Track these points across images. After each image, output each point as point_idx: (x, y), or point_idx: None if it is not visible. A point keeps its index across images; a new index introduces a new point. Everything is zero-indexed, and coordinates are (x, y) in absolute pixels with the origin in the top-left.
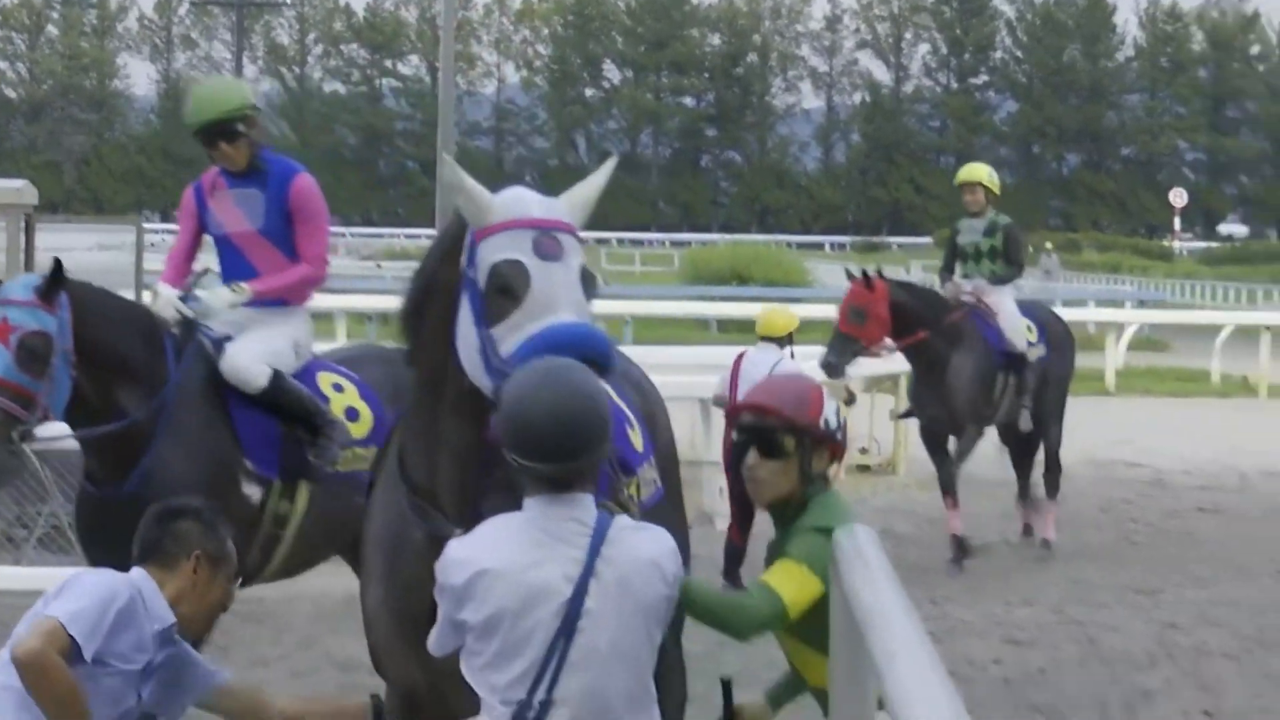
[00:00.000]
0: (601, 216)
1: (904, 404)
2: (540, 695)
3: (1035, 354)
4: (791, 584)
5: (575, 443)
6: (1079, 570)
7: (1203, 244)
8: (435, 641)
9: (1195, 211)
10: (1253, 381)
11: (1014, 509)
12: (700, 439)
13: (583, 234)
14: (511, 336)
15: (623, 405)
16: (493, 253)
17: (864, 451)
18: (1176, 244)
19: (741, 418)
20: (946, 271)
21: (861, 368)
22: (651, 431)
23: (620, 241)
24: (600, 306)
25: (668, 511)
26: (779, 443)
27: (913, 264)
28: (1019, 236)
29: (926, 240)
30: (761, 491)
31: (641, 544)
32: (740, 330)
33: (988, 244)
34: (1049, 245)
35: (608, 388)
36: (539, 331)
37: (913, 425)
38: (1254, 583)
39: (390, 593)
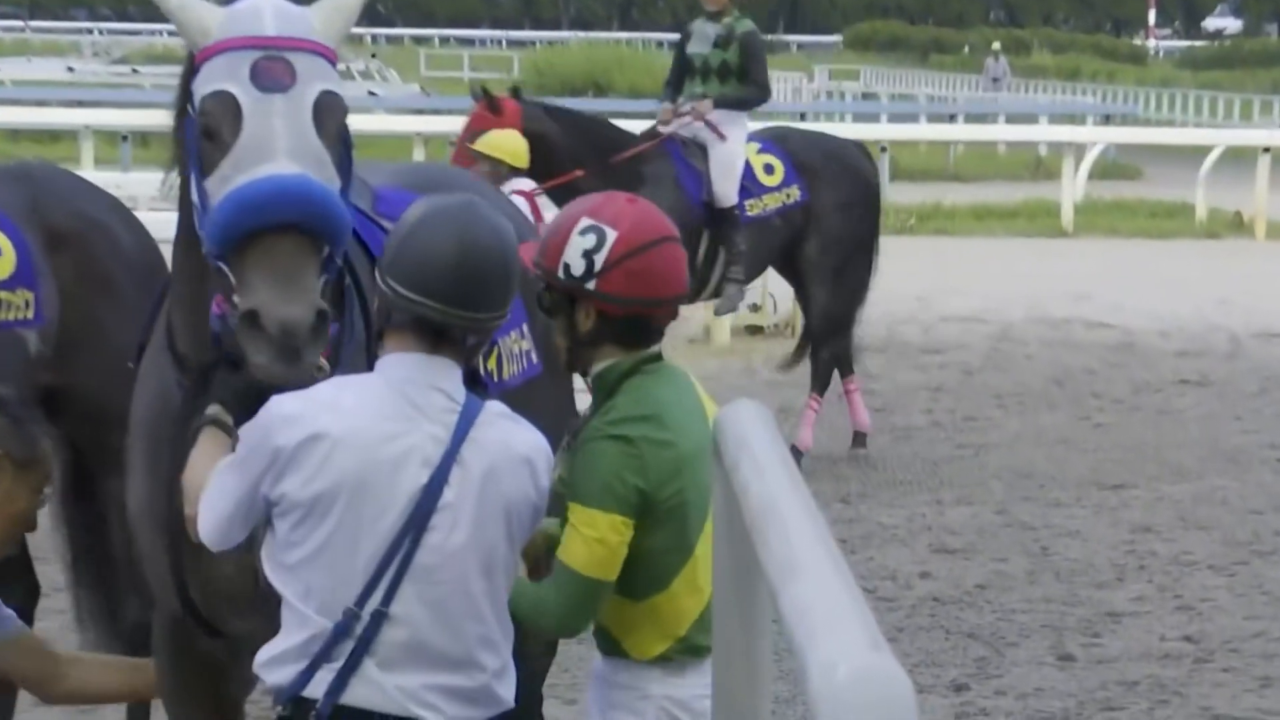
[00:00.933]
0: (422, 8)
1: None
2: (373, 604)
3: (773, 202)
4: (580, 545)
5: (482, 291)
6: (1027, 460)
7: (1184, 43)
8: (215, 522)
9: (1175, 1)
10: (1247, 218)
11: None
12: None
13: (370, 38)
14: (221, 192)
15: None
16: (204, 84)
17: (755, 309)
18: (1151, 43)
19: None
20: (671, 89)
21: None
22: (525, 293)
23: (445, 40)
24: (420, 124)
25: (544, 394)
26: (542, 299)
27: (817, 69)
28: (760, 49)
29: (834, 39)
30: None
31: (516, 435)
32: None
33: (719, 58)
34: (995, 46)
35: None
36: (234, 190)
37: None
38: (1247, 474)
39: (155, 491)
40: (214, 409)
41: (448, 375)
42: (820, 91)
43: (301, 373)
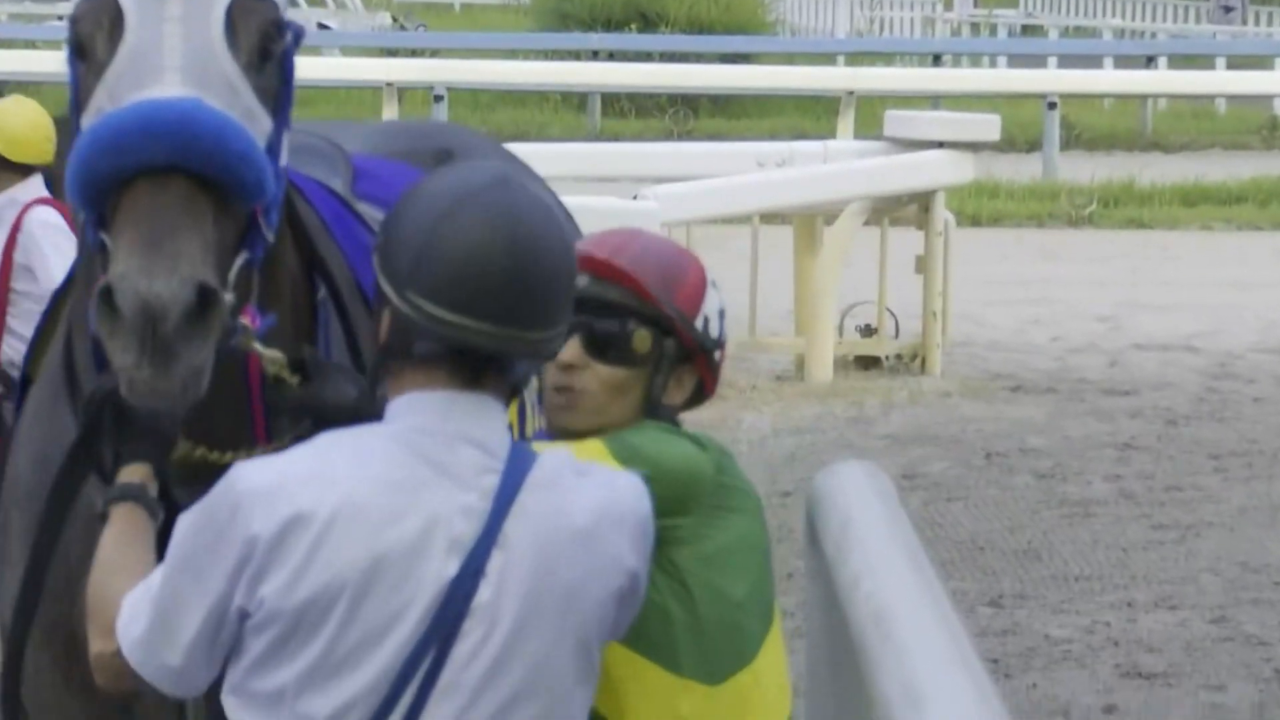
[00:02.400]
0: None
1: (940, 250)
2: None
3: None
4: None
5: (544, 300)
6: (1257, 547)
7: None
8: (171, 662)
9: None
10: None
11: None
12: None
13: None
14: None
15: None
16: None
17: (868, 331)
18: None
19: None
20: None
21: (857, 176)
22: None
23: None
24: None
25: None
26: (628, 337)
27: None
28: None
29: None
30: (580, 410)
31: (580, 499)
32: (644, 112)
33: None
34: None
35: None
36: (97, 122)
37: (958, 289)
38: None
39: (49, 594)
40: (130, 475)
41: (485, 419)
42: (962, 23)
43: (177, 382)
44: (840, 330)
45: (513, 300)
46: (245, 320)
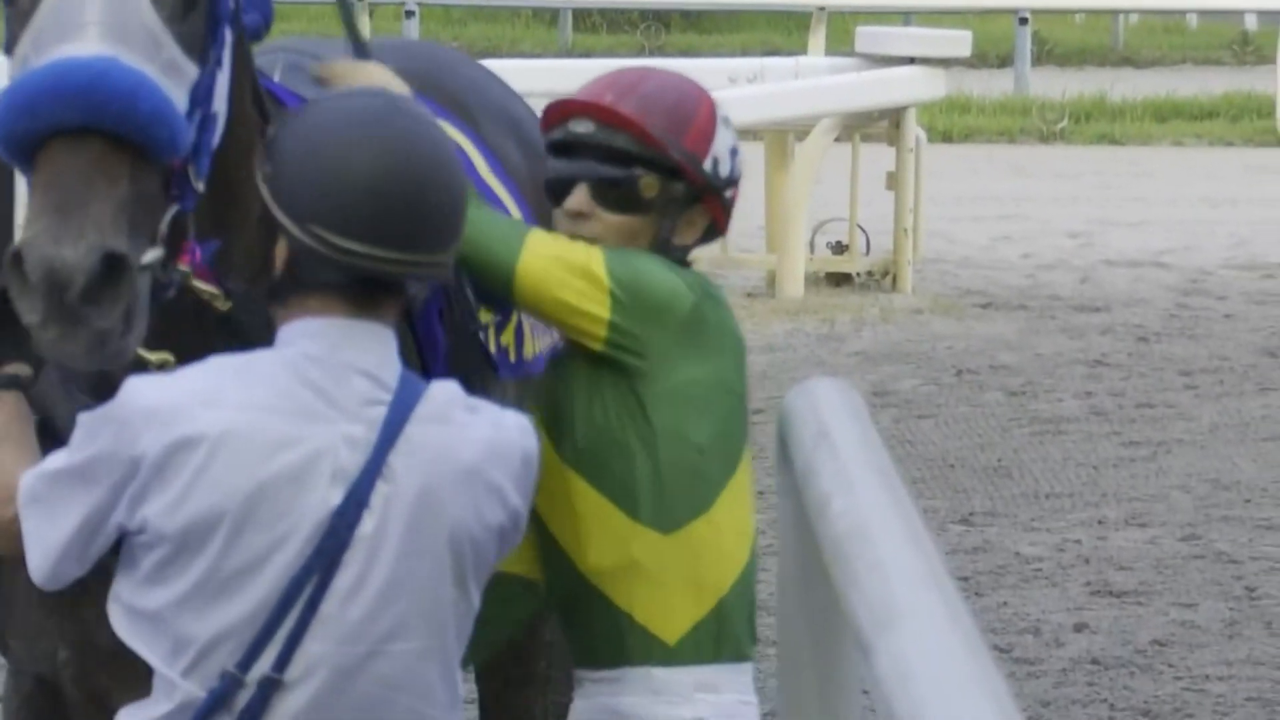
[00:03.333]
0: None
1: (911, 166)
2: (262, 667)
3: None
4: (555, 253)
5: (431, 219)
6: (1227, 465)
7: None
8: (45, 551)
9: None
10: None
11: None
12: None
13: None
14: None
15: (484, 169)
16: None
17: (839, 248)
18: None
19: (570, 124)
20: None
21: (829, 93)
22: (539, 214)
23: None
24: None
25: None
26: (633, 184)
27: None
28: None
29: None
30: None
31: (466, 435)
32: (616, 28)
33: None
34: None
35: (479, 157)
36: (13, 82)
37: (930, 205)
38: None
39: None
40: (16, 367)
41: (376, 348)
42: None
43: (83, 345)
44: (811, 247)
45: (416, 227)
46: (183, 266)
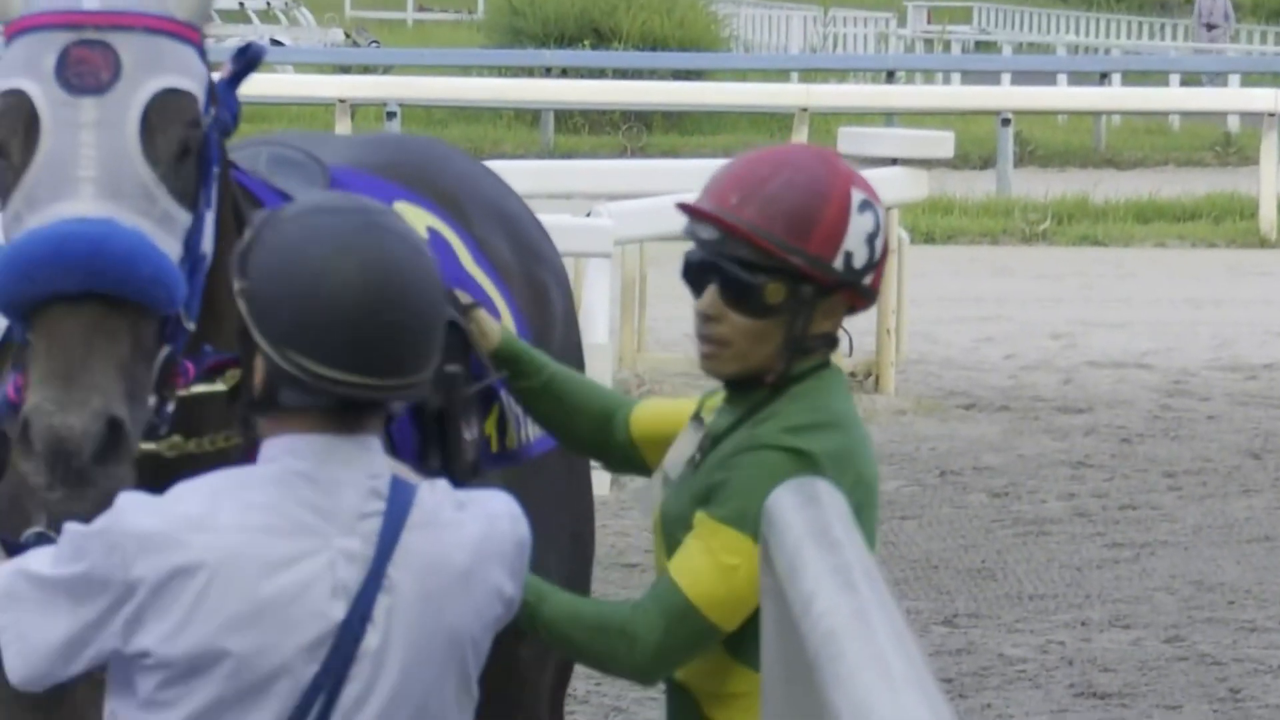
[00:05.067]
0: None
1: (894, 267)
2: None
3: None
4: (711, 571)
5: (412, 344)
6: (1211, 567)
7: None
8: (26, 655)
9: None
10: None
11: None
12: None
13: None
14: (12, 234)
15: (468, 261)
16: (3, 75)
17: None
18: None
19: (695, 228)
20: None
21: None
22: (535, 318)
23: None
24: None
25: (562, 469)
26: (758, 290)
27: (910, 7)
28: None
29: None
30: (723, 359)
31: (456, 536)
32: (598, 128)
33: None
34: None
35: (462, 247)
36: (11, 246)
37: (912, 306)
38: None
39: None
40: None
41: (364, 458)
42: (916, 39)
43: (91, 503)
44: None
45: (394, 352)
46: (179, 391)
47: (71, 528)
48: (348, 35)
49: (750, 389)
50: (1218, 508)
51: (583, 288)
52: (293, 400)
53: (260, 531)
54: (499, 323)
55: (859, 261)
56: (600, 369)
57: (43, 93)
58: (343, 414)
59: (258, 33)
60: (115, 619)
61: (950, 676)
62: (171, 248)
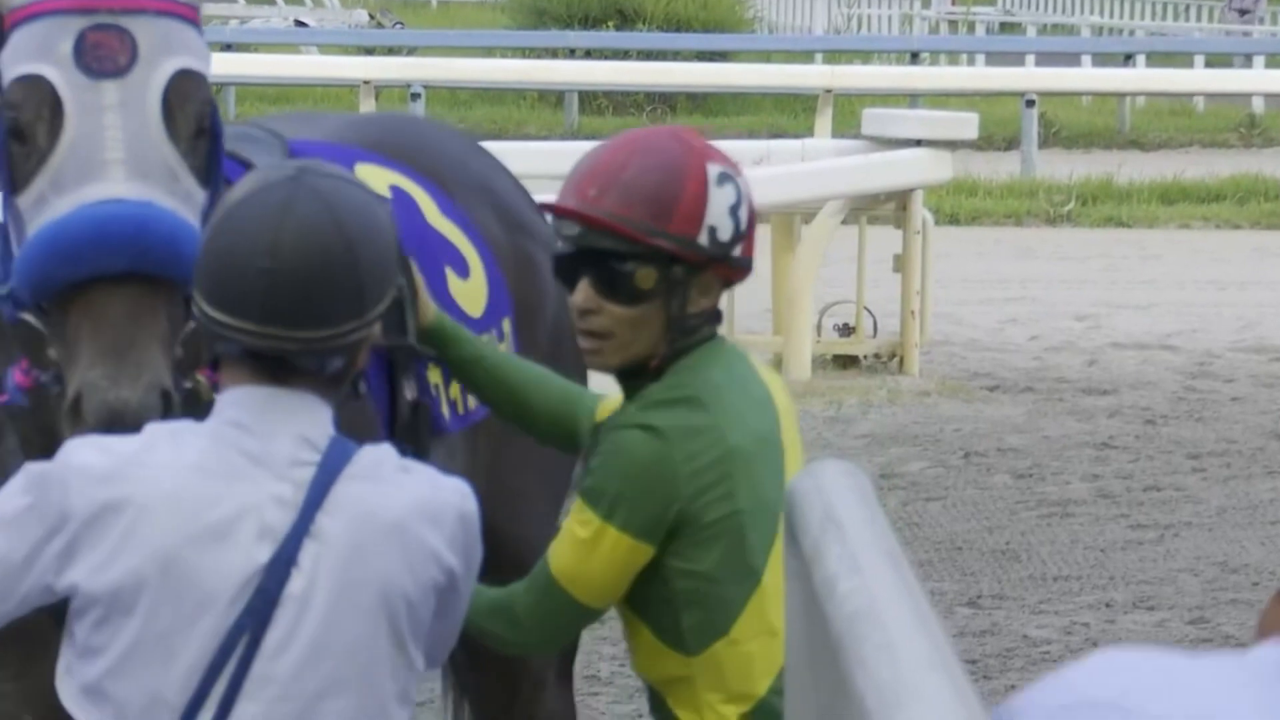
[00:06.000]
0: None
1: (918, 248)
2: None
3: None
4: (570, 549)
5: (308, 298)
6: (1236, 548)
7: None
8: None
9: None
10: None
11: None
12: None
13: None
14: (36, 218)
15: (456, 233)
16: (12, 62)
17: (846, 330)
18: None
19: (560, 225)
20: None
21: (835, 175)
22: (521, 289)
23: None
24: (368, 67)
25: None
26: (629, 278)
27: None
28: None
29: None
30: (607, 351)
31: (392, 493)
32: (622, 110)
33: None
34: None
35: (429, 202)
36: (46, 227)
37: (937, 287)
38: None
39: None
40: None
41: (303, 413)
42: (940, 20)
43: None
44: (818, 329)
45: (270, 299)
46: (201, 377)
47: (27, 466)
48: (372, 17)
49: (639, 376)
50: (1242, 489)
51: None
52: (219, 351)
53: (191, 471)
54: (433, 303)
55: (724, 235)
56: None
57: (63, 77)
58: (272, 368)
59: (283, 14)
60: (47, 550)
61: (975, 658)
62: (194, 223)
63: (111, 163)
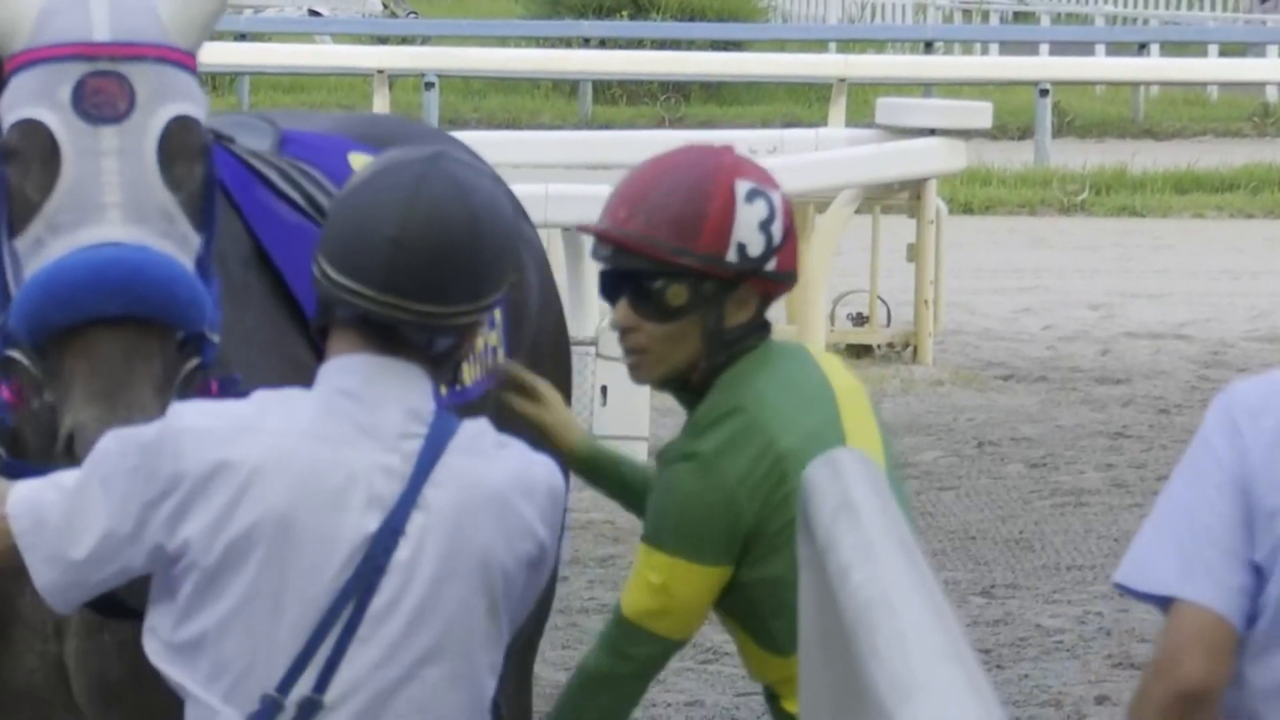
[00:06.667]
0: None
1: (932, 238)
2: (302, 691)
3: None
4: (637, 586)
5: (439, 274)
6: None
7: None
8: (47, 543)
9: None
10: None
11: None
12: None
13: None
14: (34, 261)
15: None
16: (11, 107)
17: (859, 320)
18: None
19: (597, 248)
20: None
21: (849, 165)
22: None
23: None
24: (383, 57)
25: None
26: (660, 296)
27: None
28: None
29: None
30: (646, 366)
31: (493, 466)
32: (636, 99)
33: None
34: None
35: None
36: (42, 271)
37: (950, 277)
38: None
39: None
40: None
41: (410, 384)
42: (954, 9)
43: None
44: (832, 319)
45: (394, 270)
46: None
47: (118, 431)
48: (386, 6)
49: (686, 390)
50: None
51: None
52: (340, 316)
53: (304, 437)
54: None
55: (755, 250)
56: None
57: (61, 122)
58: (383, 337)
59: (296, 3)
60: (161, 510)
61: (988, 647)
62: (190, 267)
63: (108, 206)
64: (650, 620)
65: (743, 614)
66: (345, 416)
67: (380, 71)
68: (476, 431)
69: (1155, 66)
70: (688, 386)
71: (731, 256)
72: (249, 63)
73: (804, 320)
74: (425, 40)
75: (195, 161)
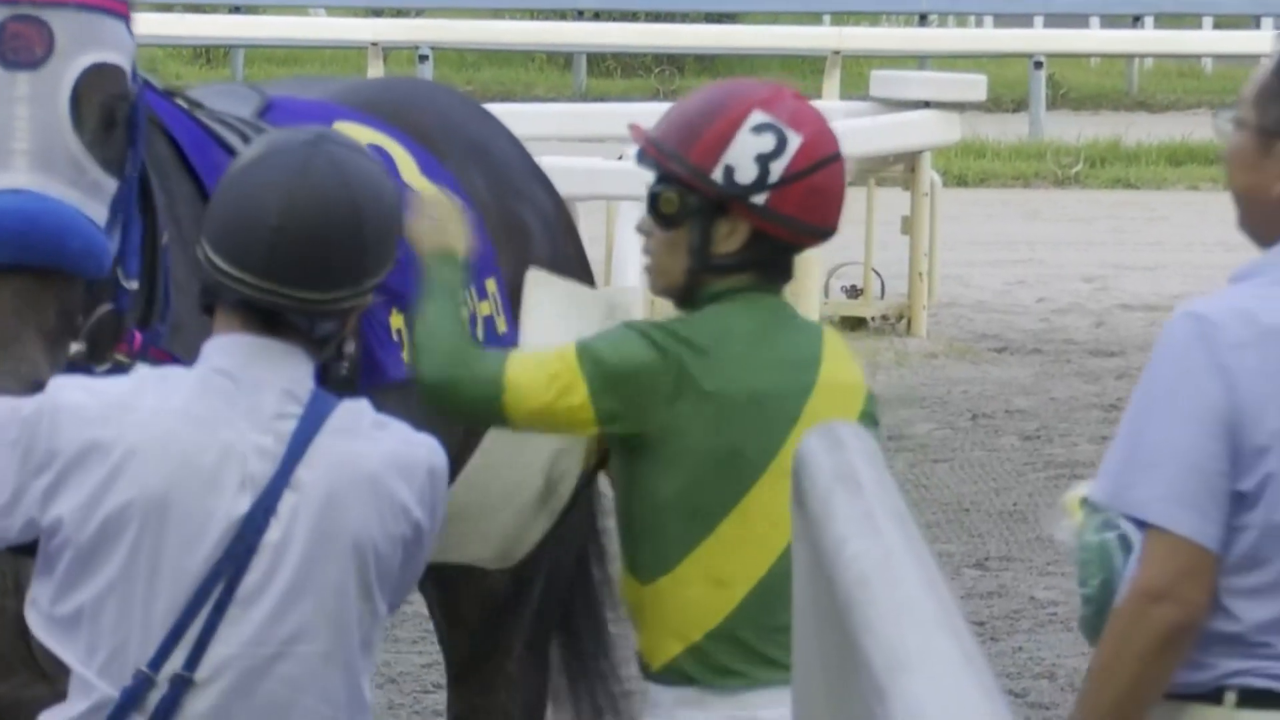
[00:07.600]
0: None
1: (926, 210)
2: (173, 667)
3: None
4: (538, 370)
5: (316, 261)
6: None
7: None
8: None
9: None
10: None
11: None
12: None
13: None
14: None
15: (412, 171)
16: None
17: (853, 292)
18: None
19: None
20: None
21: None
22: (508, 255)
23: None
24: (377, 28)
25: None
26: (656, 199)
27: None
28: None
29: None
30: (651, 274)
31: (370, 447)
32: (630, 71)
33: None
34: None
35: (414, 161)
36: None
37: (944, 249)
38: None
39: None
40: None
41: (288, 366)
42: None
43: None
44: (826, 291)
45: (275, 257)
46: (120, 356)
47: (7, 402)
48: None
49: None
50: None
51: (615, 231)
52: (219, 298)
53: (178, 417)
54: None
55: (743, 177)
56: (632, 312)
57: None
58: (264, 319)
59: None
60: (35, 485)
61: (982, 620)
62: (99, 214)
63: (15, 153)
64: (510, 392)
65: (624, 532)
66: (221, 396)
67: (374, 44)
68: (354, 412)
69: (1150, 39)
70: (682, 307)
71: (717, 175)
72: (243, 35)
73: (797, 292)
74: (419, 12)
75: (111, 109)
